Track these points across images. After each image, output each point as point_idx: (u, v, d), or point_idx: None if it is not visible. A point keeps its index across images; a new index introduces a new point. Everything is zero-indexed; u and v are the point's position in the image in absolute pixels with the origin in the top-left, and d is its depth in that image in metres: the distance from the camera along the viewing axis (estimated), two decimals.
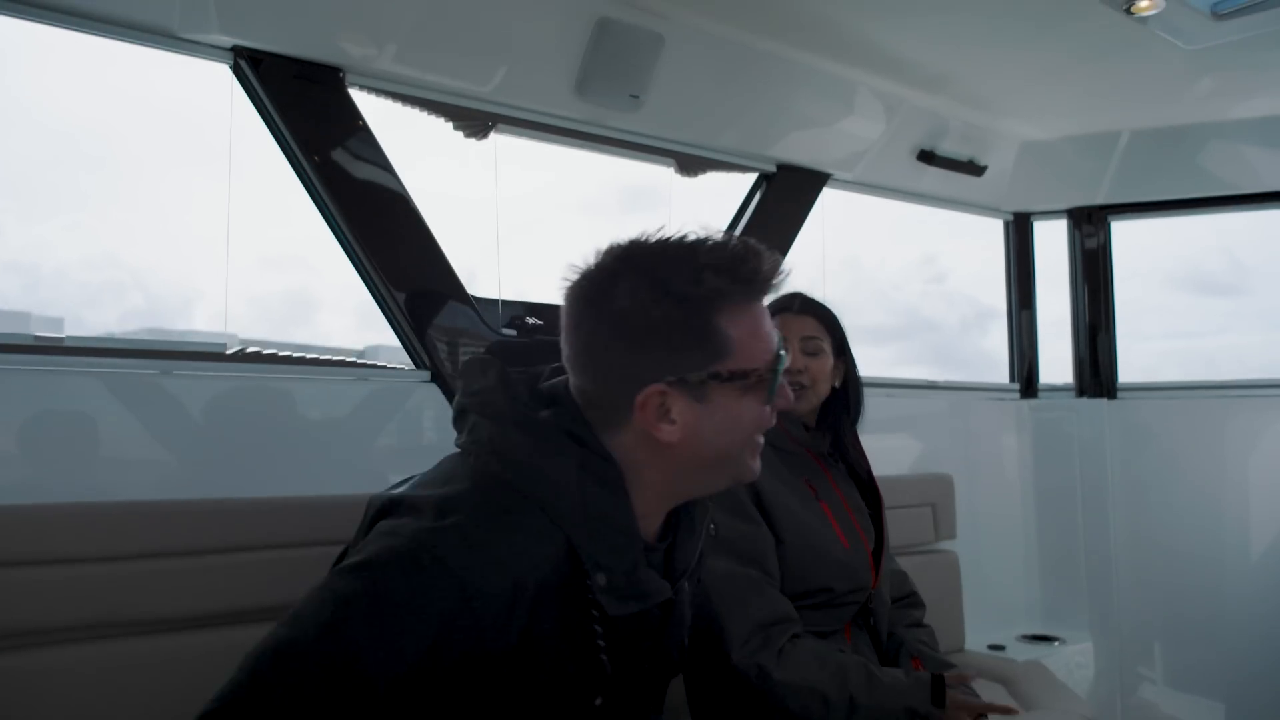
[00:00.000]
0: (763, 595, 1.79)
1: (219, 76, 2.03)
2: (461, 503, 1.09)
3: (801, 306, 2.10)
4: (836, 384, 2.11)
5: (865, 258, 3.35)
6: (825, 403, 2.11)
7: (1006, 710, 1.79)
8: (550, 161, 2.64)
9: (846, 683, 1.71)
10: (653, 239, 1.16)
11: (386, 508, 1.13)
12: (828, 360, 2.07)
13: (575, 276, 1.18)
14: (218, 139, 2.04)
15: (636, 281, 1.12)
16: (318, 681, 1.01)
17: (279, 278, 2.16)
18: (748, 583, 1.80)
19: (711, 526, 1.50)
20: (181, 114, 2.16)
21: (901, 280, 3.83)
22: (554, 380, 1.25)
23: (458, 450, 1.22)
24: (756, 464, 1.25)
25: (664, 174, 2.76)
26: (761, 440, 1.24)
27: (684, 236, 1.16)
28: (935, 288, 3.75)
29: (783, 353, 1.20)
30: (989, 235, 3.79)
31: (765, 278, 1.16)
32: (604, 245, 1.18)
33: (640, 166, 2.74)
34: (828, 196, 3.11)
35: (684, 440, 1.15)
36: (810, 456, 2.06)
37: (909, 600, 2.24)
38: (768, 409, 1.21)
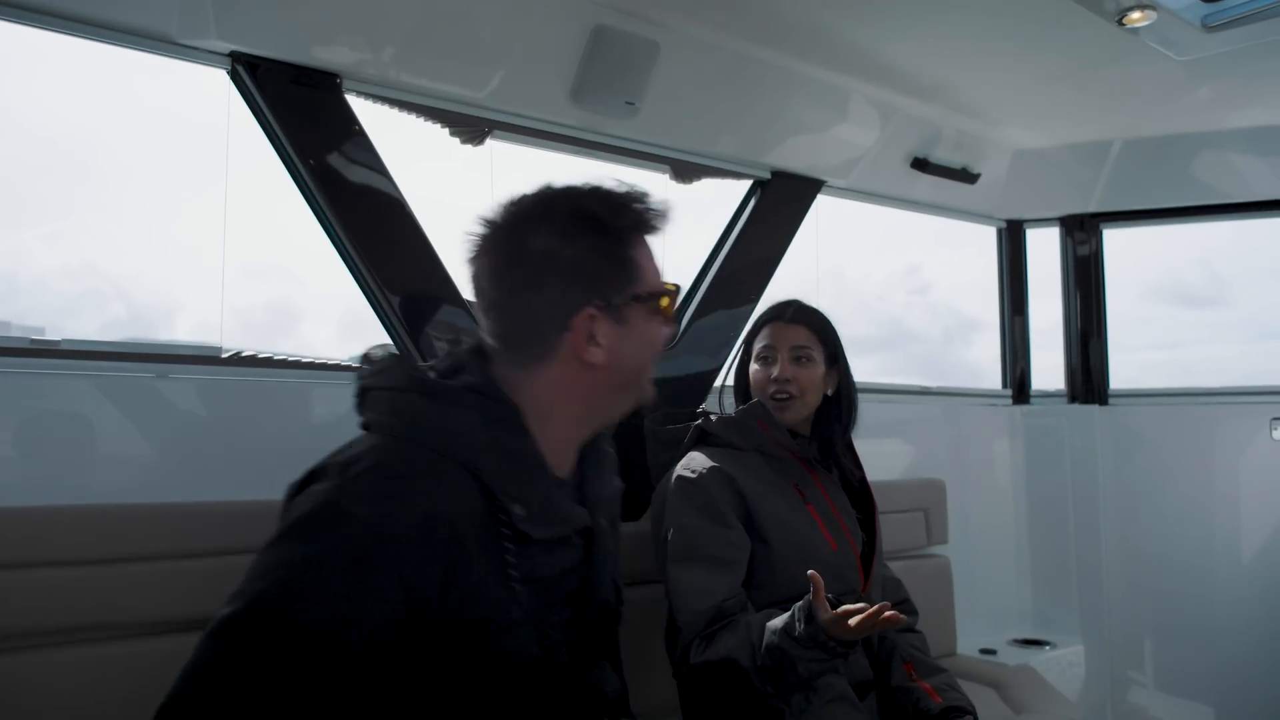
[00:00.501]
0: (702, 598, 1.82)
1: (208, 85, 2.05)
2: (366, 459, 1.16)
3: (793, 315, 2.12)
4: (829, 392, 2.12)
5: (850, 269, 3.37)
6: (819, 410, 2.13)
7: (883, 613, 1.60)
8: (544, 171, 2.66)
9: (750, 638, 1.74)
10: (558, 187, 1.30)
11: (300, 483, 1.19)
12: (817, 370, 2.08)
13: (485, 231, 1.29)
14: (204, 147, 2.05)
15: (560, 223, 1.26)
16: (261, 650, 1.05)
17: (262, 288, 2.17)
18: (689, 585, 1.84)
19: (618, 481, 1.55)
20: (169, 122, 2.16)
21: (885, 291, 3.85)
22: (454, 350, 1.36)
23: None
24: (652, 389, 1.39)
25: (658, 180, 2.77)
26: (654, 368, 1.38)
27: (584, 184, 1.31)
28: (919, 299, 3.78)
29: (675, 288, 1.37)
30: (972, 246, 3.82)
31: (661, 212, 1.32)
32: (516, 199, 1.30)
33: (635, 174, 2.75)
34: (819, 204, 3.13)
35: (607, 362, 1.28)
36: (798, 461, 2.08)
37: (902, 606, 2.25)
38: (666, 329, 1.37)
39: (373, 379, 1.28)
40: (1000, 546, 3.58)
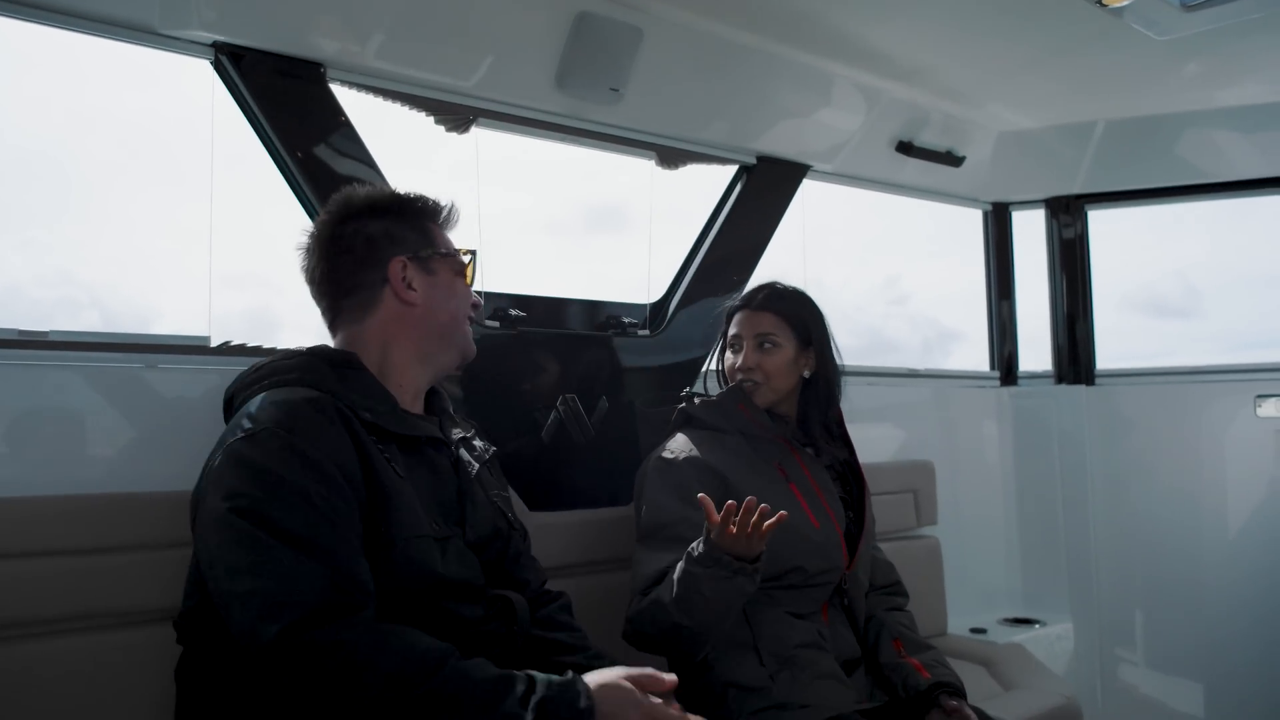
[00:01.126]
0: (646, 574, 1.86)
1: (189, 79, 2.04)
2: (260, 409, 1.38)
3: (760, 303, 2.16)
4: (806, 374, 2.15)
5: (828, 279, 3.38)
6: (802, 392, 2.15)
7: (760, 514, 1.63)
8: (529, 158, 2.66)
9: (670, 576, 1.77)
10: (360, 194, 1.64)
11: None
12: (784, 354, 2.11)
13: (308, 234, 1.62)
14: (186, 142, 2.04)
15: (362, 209, 1.61)
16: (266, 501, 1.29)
17: (239, 295, 2.18)
18: (649, 560, 1.88)
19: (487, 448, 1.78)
20: (147, 119, 2.15)
21: (865, 302, 3.88)
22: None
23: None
24: (473, 345, 1.69)
25: (645, 166, 2.78)
26: (469, 326, 1.68)
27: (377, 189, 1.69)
28: (898, 309, 3.82)
29: (465, 257, 1.69)
30: (954, 255, 3.85)
31: (443, 207, 1.68)
32: (331, 203, 1.64)
33: (621, 160, 2.76)
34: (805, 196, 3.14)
35: (423, 302, 1.59)
36: (780, 441, 2.10)
37: (893, 589, 2.28)
38: (471, 291, 1.69)
39: (237, 384, 1.56)
40: (989, 527, 3.61)
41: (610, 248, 2.99)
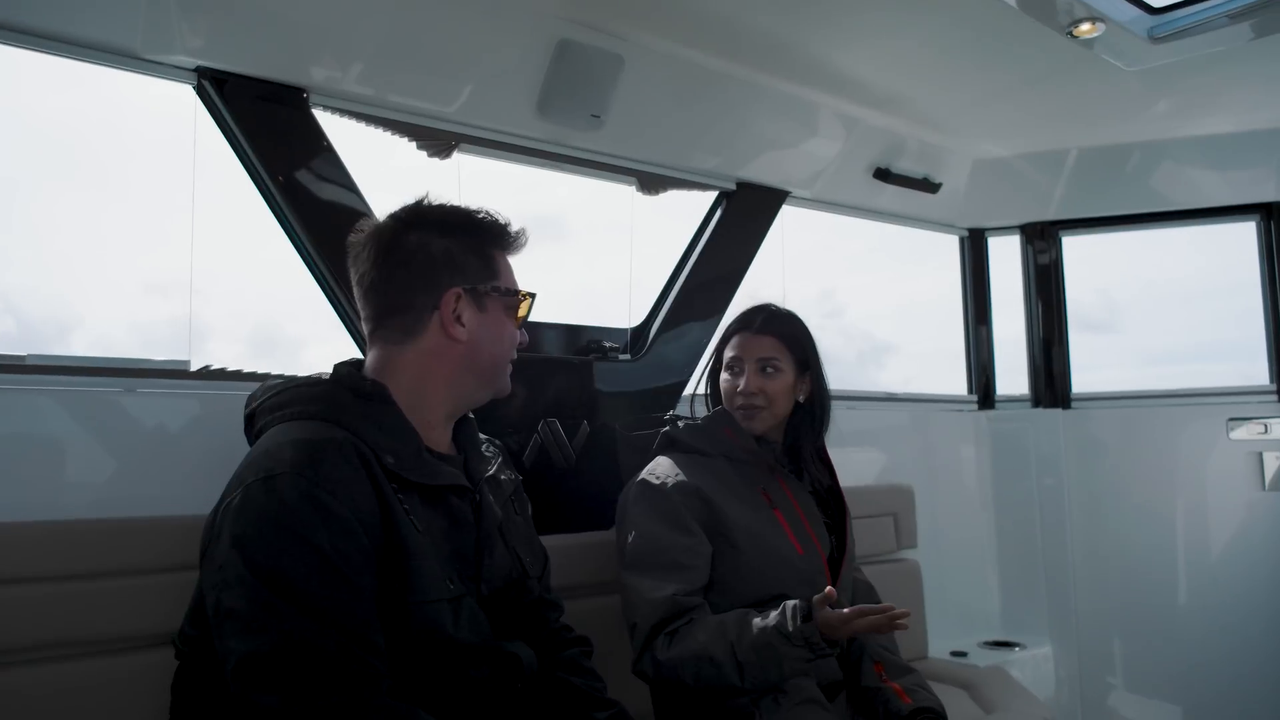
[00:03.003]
0: (654, 600, 1.84)
1: (164, 114, 2.03)
2: (271, 441, 1.34)
3: (761, 325, 2.13)
4: (801, 399, 2.14)
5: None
6: (791, 416, 2.15)
7: (887, 612, 1.69)
8: (511, 184, 2.67)
9: (726, 635, 1.76)
10: (432, 201, 1.55)
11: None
12: (785, 379, 2.10)
13: (368, 231, 1.53)
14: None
15: (433, 223, 1.52)
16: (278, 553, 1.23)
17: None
18: (643, 588, 1.86)
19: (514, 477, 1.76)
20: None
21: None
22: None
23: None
24: (509, 384, 1.62)
25: (625, 192, 2.80)
26: (510, 366, 1.62)
27: (456, 203, 1.57)
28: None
29: (530, 295, 1.61)
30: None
31: (517, 234, 1.59)
32: (402, 208, 1.55)
33: (602, 186, 2.78)
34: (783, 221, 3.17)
35: (469, 340, 1.51)
36: (763, 465, 2.10)
37: None
38: (519, 332, 1.61)
39: (258, 405, 1.48)
40: (969, 550, 3.63)
41: (590, 268, 3.00)
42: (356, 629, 1.23)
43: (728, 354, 2.16)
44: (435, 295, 1.49)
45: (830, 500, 2.21)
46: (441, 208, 1.55)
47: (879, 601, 2.29)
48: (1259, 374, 3.48)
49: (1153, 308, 3.86)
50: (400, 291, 1.50)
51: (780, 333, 2.13)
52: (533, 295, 1.60)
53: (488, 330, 1.54)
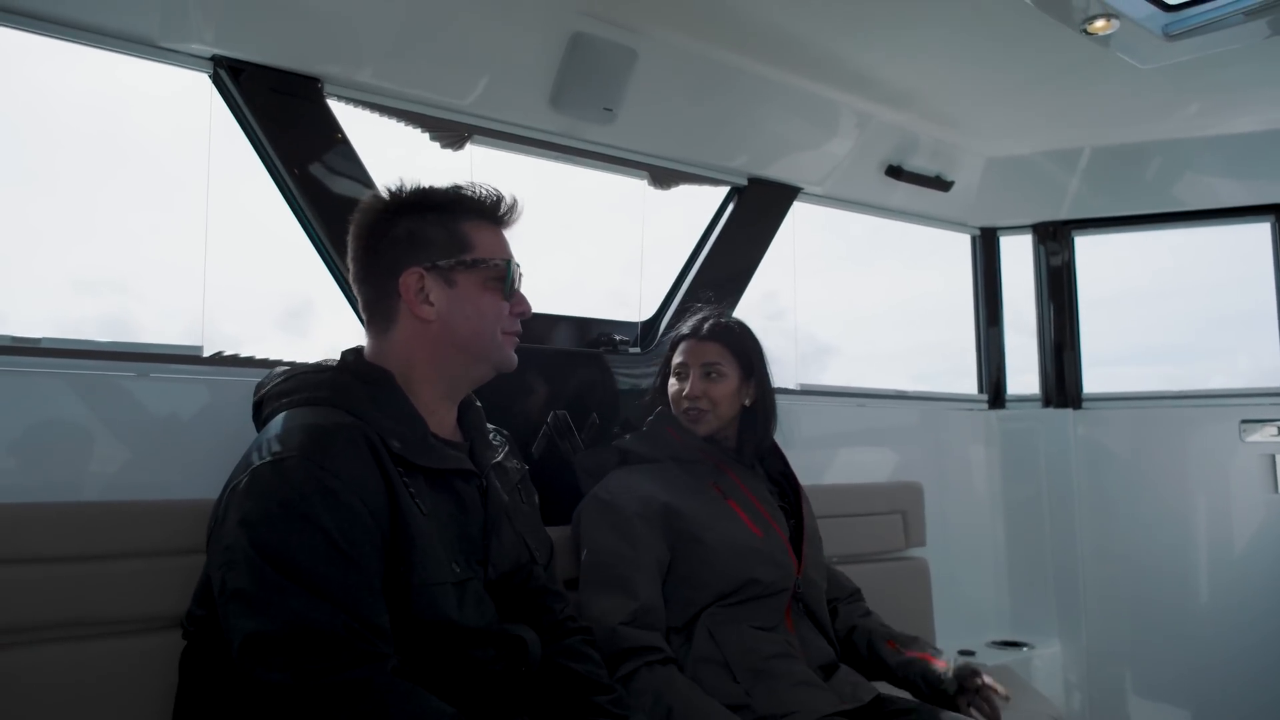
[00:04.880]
0: (606, 626, 1.82)
1: (179, 103, 2.03)
2: (279, 427, 1.34)
3: (707, 333, 2.20)
4: (747, 402, 2.19)
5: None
6: (741, 419, 2.20)
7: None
8: (523, 177, 2.68)
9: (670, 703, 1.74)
10: (408, 187, 1.52)
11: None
12: (729, 383, 2.16)
13: (358, 216, 1.52)
14: (178, 167, 2.02)
15: (405, 206, 1.50)
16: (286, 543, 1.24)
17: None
18: (597, 608, 1.86)
19: (516, 458, 1.75)
20: (142, 140, 2.16)
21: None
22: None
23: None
24: (513, 356, 1.57)
25: (637, 186, 2.81)
26: (514, 339, 1.57)
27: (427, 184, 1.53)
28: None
29: (516, 263, 1.54)
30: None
31: (499, 201, 1.54)
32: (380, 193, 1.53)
33: (614, 180, 2.78)
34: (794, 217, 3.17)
35: (440, 320, 1.48)
36: (711, 462, 2.15)
37: (855, 596, 2.34)
38: (506, 305, 1.53)
39: (266, 390, 1.51)
40: (978, 549, 3.62)
41: (598, 264, 3.01)
42: (362, 610, 1.24)
43: (675, 360, 2.23)
44: (395, 278, 1.47)
45: (785, 486, 2.27)
46: (417, 190, 1.52)
47: (853, 587, 2.36)
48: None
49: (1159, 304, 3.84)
50: (373, 279, 1.50)
51: (725, 340, 2.19)
52: (510, 262, 1.53)
53: (461, 306, 1.49)
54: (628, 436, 2.23)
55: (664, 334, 2.77)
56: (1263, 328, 3.46)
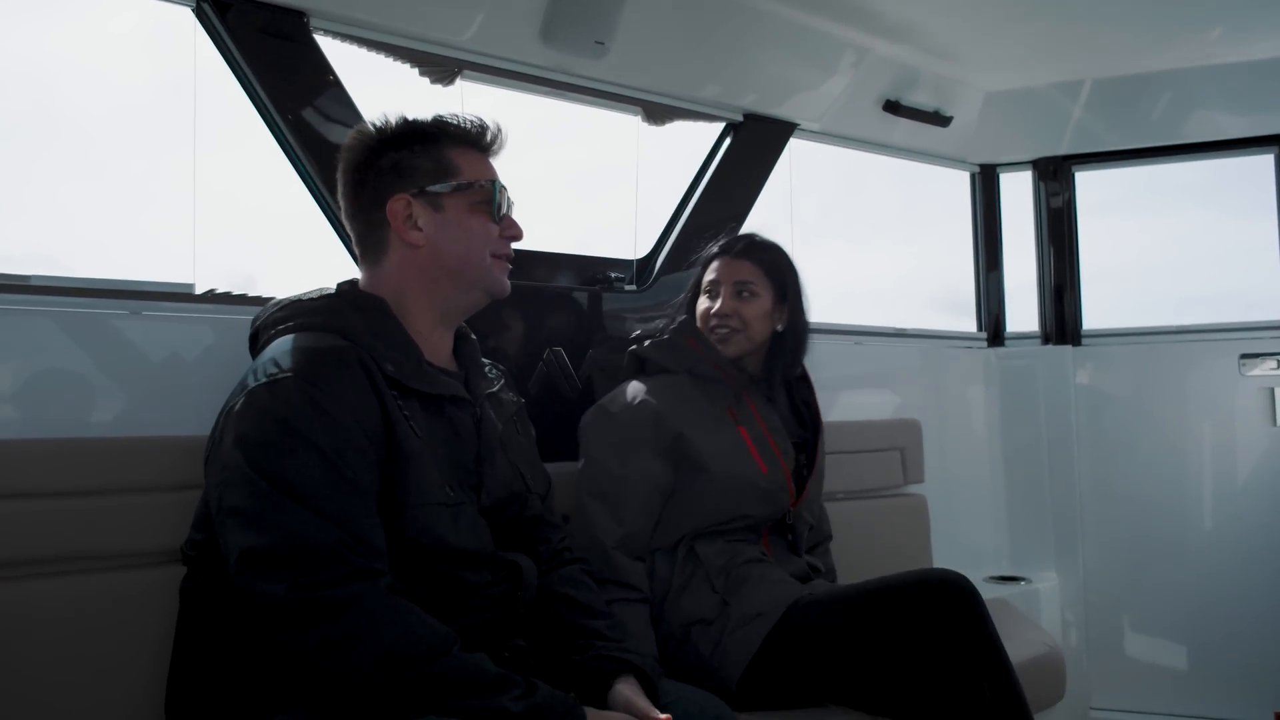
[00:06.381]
0: (597, 536, 1.87)
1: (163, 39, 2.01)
2: (284, 355, 1.35)
3: (741, 250, 2.14)
4: (779, 328, 2.13)
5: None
6: (771, 346, 2.15)
7: None
8: (515, 112, 2.65)
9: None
10: (392, 122, 1.52)
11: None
12: (762, 304, 2.10)
13: (344, 154, 1.54)
14: (163, 103, 2.00)
15: (390, 137, 1.51)
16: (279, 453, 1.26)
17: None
18: (588, 519, 1.90)
19: (515, 397, 1.75)
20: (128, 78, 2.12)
21: None
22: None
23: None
24: (504, 281, 1.57)
25: (631, 122, 2.77)
26: (505, 264, 1.57)
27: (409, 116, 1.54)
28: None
29: (502, 185, 1.55)
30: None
31: (483, 129, 1.55)
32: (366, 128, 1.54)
33: (607, 115, 2.75)
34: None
35: (430, 245, 1.49)
36: (730, 384, 2.09)
37: (823, 545, 2.32)
38: (495, 228, 1.54)
39: (260, 321, 1.52)
40: (976, 486, 3.63)
41: (593, 202, 2.99)
42: (357, 527, 1.26)
43: (706, 278, 2.16)
44: (382, 206, 1.49)
45: (805, 416, 2.22)
46: (401, 122, 1.53)
47: (824, 531, 2.31)
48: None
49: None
50: (362, 213, 1.52)
51: (760, 259, 2.13)
52: (495, 183, 1.54)
53: (448, 230, 1.50)
54: (647, 343, 2.16)
55: (659, 271, 2.76)
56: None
